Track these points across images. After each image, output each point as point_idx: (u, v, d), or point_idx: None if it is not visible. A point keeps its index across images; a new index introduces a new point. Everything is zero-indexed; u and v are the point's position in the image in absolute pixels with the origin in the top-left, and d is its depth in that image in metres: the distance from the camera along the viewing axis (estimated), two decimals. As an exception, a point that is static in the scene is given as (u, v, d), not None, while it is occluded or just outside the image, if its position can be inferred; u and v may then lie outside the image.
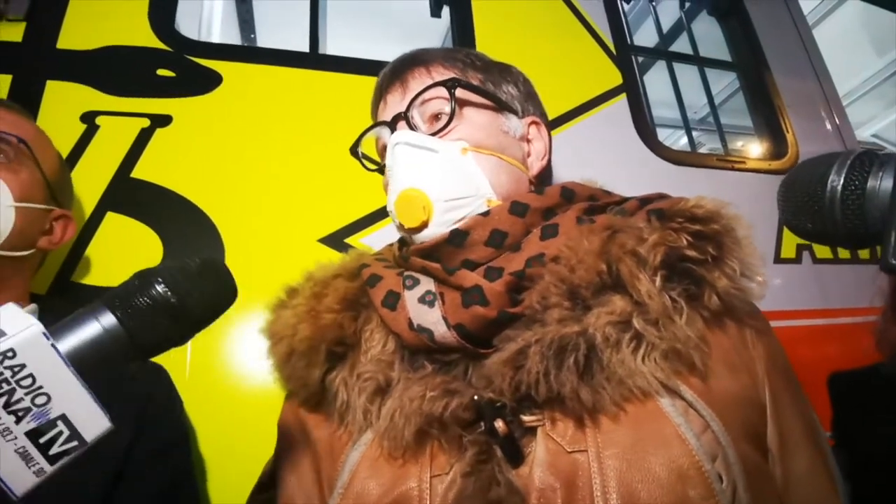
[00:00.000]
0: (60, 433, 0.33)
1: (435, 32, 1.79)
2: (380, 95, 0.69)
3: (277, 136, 1.18)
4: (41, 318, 0.89)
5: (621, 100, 1.48)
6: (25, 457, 0.32)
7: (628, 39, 1.60)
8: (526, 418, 0.49)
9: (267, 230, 1.11)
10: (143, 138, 1.11)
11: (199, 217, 1.08)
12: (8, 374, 0.31)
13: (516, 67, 0.72)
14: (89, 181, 1.06)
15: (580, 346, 0.48)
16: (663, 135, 2.82)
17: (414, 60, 0.67)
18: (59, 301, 0.97)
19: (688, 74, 1.84)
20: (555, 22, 1.51)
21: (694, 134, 2.29)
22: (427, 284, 0.57)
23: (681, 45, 1.96)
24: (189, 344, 1.01)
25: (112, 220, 1.05)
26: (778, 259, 1.48)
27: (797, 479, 0.53)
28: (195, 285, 0.40)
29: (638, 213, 0.57)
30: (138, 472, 0.77)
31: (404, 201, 0.59)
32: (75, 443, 0.33)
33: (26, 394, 0.32)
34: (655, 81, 1.94)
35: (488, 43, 1.40)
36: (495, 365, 0.51)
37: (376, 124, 0.67)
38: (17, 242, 0.80)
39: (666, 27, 2.02)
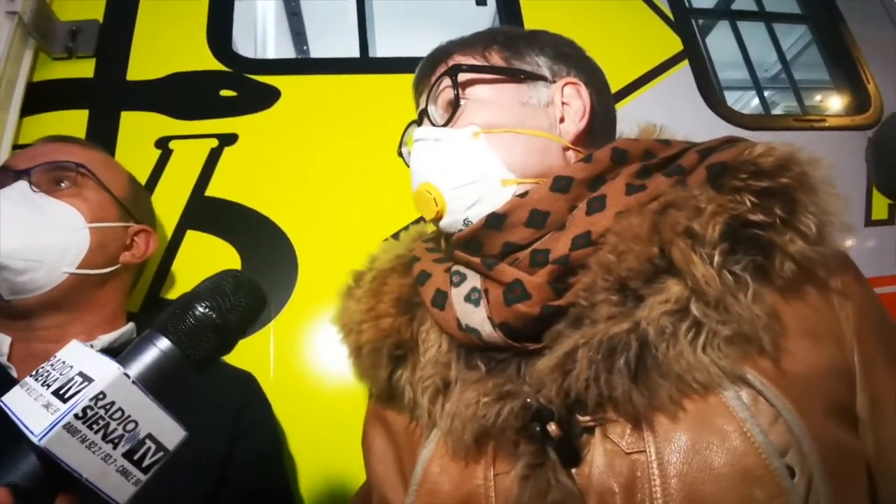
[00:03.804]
0: (149, 448, 0.39)
1: (483, 21, 1.76)
2: (415, 95, 0.70)
3: (337, 141, 1.21)
4: (138, 336, 0.95)
5: (684, 67, 1.41)
6: (125, 473, 0.38)
7: (686, 2, 1.52)
8: (582, 418, 0.48)
9: (335, 233, 1.14)
10: (213, 158, 1.17)
11: (270, 227, 1.13)
12: (102, 412, 0.37)
13: (549, 32, 0.70)
14: (168, 202, 1.12)
15: (631, 346, 0.46)
16: (733, 97, 2.65)
17: (435, 56, 0.67)
18: (151, 317, 1.03)
19: (754, 30, 1.72)
20: (605, -6, 1.45)
21: (767, 93, 2.14)
22: (473, 280, 0.57)
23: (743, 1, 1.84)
24: (272, 345, 1.06)
25: (192, 237, 1.12)
26: (869, 222, 1.35)
27: (889, 443, 0.50)
28: (232, 302, 0.45)
29: (697, 170, 0.53)
30: (236, 481, 0.81)
31: (418, 197, 0.61)
32: (161, 453, 0.40)
33: (118, 424, 0.38)
34: (720, 41, 1.82)
35: (536, 25, 1.35)
36: (545, 370, 0.50)
37: (409, 124, 0.69)
38: (98, 260, 0.85)
39: (725, -19, 1.90)
